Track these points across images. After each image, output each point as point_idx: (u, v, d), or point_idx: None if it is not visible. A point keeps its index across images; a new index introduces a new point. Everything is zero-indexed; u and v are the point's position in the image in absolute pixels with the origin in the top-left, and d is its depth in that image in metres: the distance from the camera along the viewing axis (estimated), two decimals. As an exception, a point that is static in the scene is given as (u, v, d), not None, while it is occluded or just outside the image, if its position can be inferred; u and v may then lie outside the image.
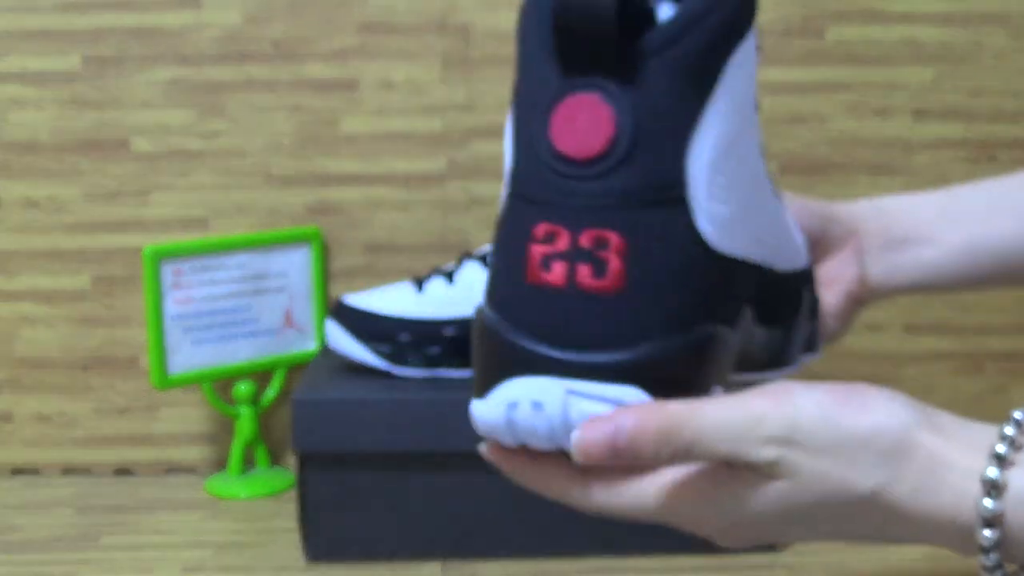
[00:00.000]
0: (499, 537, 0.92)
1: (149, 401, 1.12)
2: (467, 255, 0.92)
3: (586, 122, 0.37)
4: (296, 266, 1.09)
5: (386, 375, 0.94)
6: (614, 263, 0.37)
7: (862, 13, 1.10)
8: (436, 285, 0.92)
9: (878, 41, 1.11)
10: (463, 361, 0.91)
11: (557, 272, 0.37)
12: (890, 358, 1.15)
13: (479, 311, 0.42)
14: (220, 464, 1.14)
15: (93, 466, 1.13)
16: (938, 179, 1.13)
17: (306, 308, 1.10)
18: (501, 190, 0.44)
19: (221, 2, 1.07)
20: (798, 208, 0.72)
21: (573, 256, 0.37)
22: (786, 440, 0.43)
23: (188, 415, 1.13)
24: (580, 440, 0.41)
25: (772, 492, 0.44)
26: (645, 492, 0.45)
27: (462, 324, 0.90)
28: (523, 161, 0.38)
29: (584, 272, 0.37)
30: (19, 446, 1.13)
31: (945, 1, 1.10)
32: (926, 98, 1.12)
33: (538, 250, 0.37)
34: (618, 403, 0.39)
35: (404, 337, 0.90)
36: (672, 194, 0.37)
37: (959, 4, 1.10)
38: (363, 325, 0.92)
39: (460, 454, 0.90)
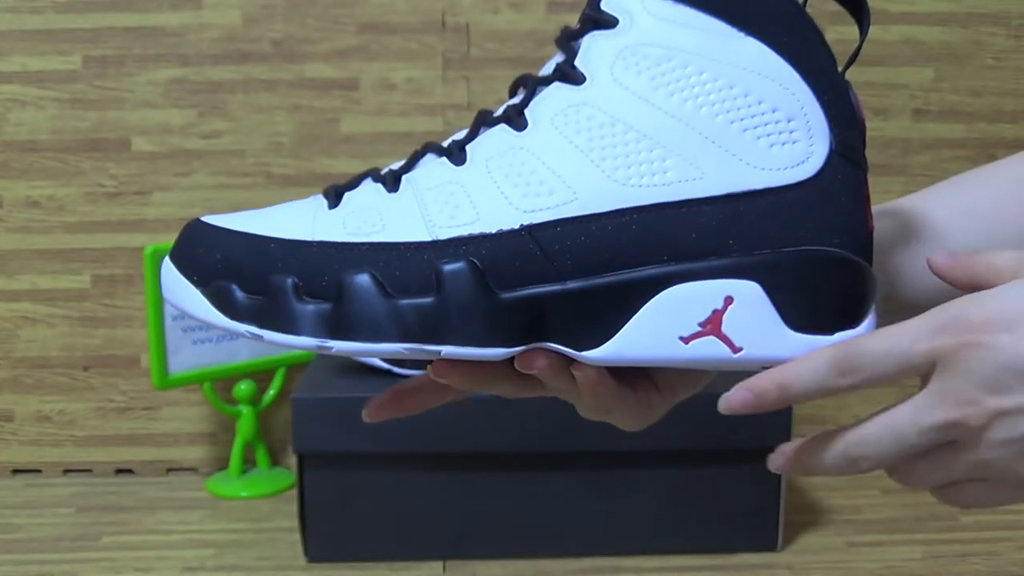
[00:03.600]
0: (499, 537, 0.92)
1: (149, 401, 1.12)
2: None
3: (862, 107, 0.51)
4: (296, 266, 1.09)
5: (386, 374, 0.94)
6: None
7: (862, 13, 1.10)
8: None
9: (878, 41, 1.11)
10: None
11: (872, 220, 0.51)
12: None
13: (824, 249, 0.50)
14: (220, 464, 1.14)
15: (93, 466, 1.13)
16: (938, 179, 1.13)
17: (306, 308, 1.10)
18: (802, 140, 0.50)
19: (221, 2, 1.07)
20: None
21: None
22: (942, 326, 0.42)
23: (188, 415, 1.13)
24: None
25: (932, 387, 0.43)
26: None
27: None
28: (844, 129, 0.50)
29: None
30: (19, 446, 1.13)
31: (945, 1, 1.10)
32: (926, 98, 1.12)
33: (868, 206, 0.51)
34: None
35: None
36: None
37: (959, 4, 1.10)
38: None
39: (460, 454, 0.90)
